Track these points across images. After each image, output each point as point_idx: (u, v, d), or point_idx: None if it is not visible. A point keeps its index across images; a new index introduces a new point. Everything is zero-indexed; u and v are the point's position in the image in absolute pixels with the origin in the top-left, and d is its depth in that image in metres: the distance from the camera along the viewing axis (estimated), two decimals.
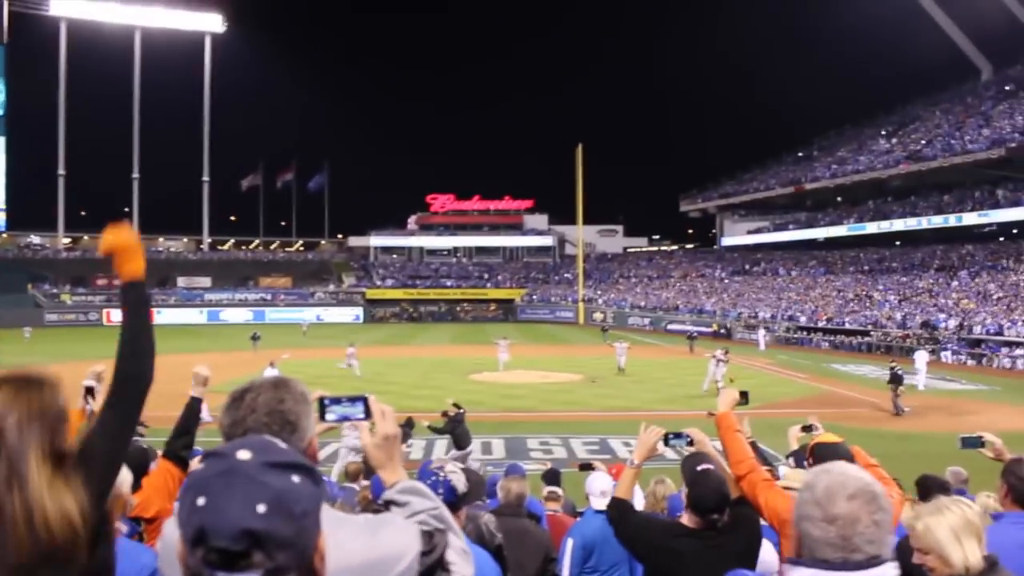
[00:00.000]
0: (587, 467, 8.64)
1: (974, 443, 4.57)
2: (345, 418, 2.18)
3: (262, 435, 1.53)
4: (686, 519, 3.86)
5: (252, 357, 36.75)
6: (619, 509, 4.05)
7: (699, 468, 3.82)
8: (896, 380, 24.86)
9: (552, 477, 8.49)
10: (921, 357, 32.13)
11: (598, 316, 75.59)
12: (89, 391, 3.97)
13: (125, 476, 3.41)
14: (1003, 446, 4.54)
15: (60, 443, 1.88)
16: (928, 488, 6.36)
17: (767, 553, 4.02)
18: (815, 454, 4.12)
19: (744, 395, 4.33)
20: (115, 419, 2.16)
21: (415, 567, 1.70)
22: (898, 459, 11.43)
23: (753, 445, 6.53)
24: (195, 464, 5.86)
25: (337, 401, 2.17)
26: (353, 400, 2.16)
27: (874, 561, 1.76)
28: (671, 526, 4.16)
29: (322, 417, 2.11)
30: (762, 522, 3.87)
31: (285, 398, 1.84)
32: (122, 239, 2.34)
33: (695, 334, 49.32)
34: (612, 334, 57.30)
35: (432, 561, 1.97)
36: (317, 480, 1.33)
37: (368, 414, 2.12)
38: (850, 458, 3.88)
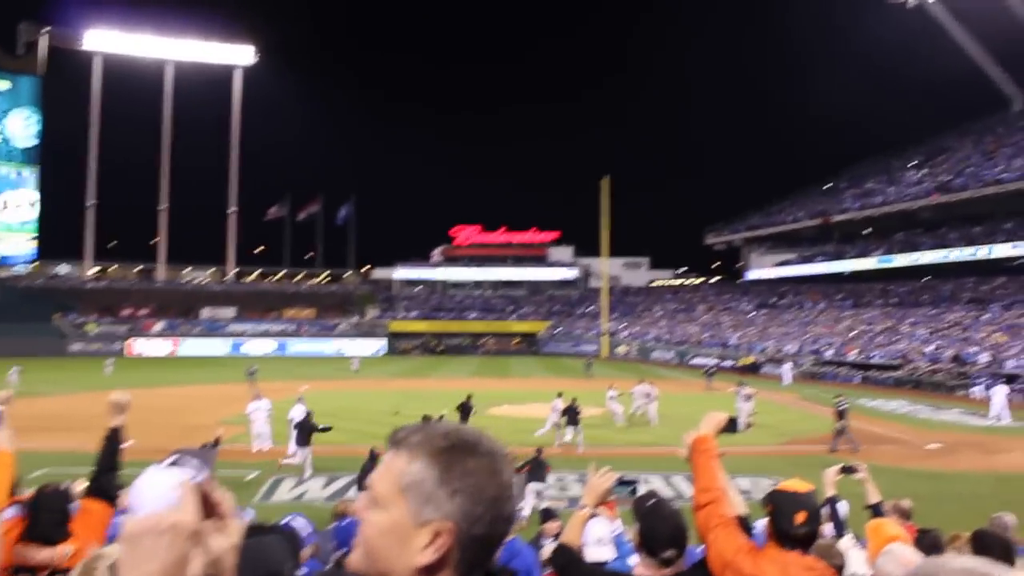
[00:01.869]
0: (548, 514, 8.03)
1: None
2: None
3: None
4: (640, 568, 3.41)
5: (247, 392, 29.44)
6: (565, 556, 3.59)
7: (649, 503, 3.45)
8: (840, 416, 23.67)
9: (548, 516, 7.94)
10: (1001, 391, 31.27)
11: (621, 350, 74.82)
12: None
13: None
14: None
15: None
16: (987, 548, 4.65)
17: None
18: (773, 502, 3.32)
19: (732, 421, 3.71)
20: None
21: None
22: (931, 500, 10.78)
23: (832, 503, 5.60)
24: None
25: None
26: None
27: None
28: None
29: None
30: None
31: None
32: None
33: (714, 369, 48.39)
34: (595, 368, 56.34)
35: None
36: None
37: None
38: (815, 511, 3.29)
